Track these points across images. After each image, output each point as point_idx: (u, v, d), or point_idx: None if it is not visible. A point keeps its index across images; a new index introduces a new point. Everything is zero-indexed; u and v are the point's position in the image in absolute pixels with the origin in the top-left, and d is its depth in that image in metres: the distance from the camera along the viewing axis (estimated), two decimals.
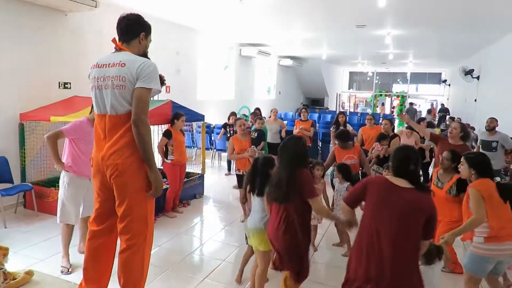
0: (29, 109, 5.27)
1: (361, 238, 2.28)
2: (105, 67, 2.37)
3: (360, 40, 10.88)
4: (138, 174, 2.35)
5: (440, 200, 3.37)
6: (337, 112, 8.73)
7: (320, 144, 9.05)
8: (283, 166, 2.70)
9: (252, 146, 4.95)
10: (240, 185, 4.99)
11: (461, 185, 3.38)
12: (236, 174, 5.15)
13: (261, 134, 5.91)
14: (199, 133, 8.86)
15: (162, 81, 2.62)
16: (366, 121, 6.36)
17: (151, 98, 2.44)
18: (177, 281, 3.51)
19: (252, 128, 6.14)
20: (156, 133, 6.44)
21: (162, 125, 6.14)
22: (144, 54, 2.49)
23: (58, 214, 3.52)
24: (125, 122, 2.30)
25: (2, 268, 2.40)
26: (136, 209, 2.38)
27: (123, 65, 2.30)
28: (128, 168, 2.31)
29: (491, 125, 5.68)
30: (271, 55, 14.13)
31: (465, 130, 4.57)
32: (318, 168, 4.10)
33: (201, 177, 6.38)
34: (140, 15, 2.46)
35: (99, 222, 2.54)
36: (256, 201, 3.03)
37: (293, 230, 2.63)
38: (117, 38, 2.48)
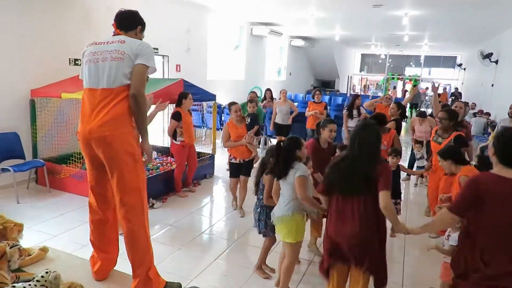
0: (40, 85, 5.23)
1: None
2: (103, 44, 2.46)
3: (376, 21, 10.56)
4: (127, 146, 2.36)
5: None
6: (352, 94, 8.53)
7: None
8: (364, 158, 2.28)
9: (249, 133, 4.66)
10: (234, 174, 4.72)
11: (458, 141, 3.54)
12: (232, 163, 4.71)
13: (255, 118, 5.45)
14: (210, 113, 8.80)
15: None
16: (383, 100, 6.26)
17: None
18: (188, 260, 3.51)
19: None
20: (166, 113, 6.35)
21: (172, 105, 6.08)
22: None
23: None
24: (116, 96, 2.34)
25: (18, 245, 2.40)
26: (128, 181, 2.38)
27: (123, 42, 2.41)
28: (116, 139, 2.32)
29: None
30: (283, 35, 13.85)
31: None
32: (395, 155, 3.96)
33: (212, 157, 6.34)
34: (137, 12, 2.62)
35: (96, 197, 2.56)
36: (284, 187, 2.76)
37: (372, 225, 2.28)
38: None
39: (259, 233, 3.23)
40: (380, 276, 2.31)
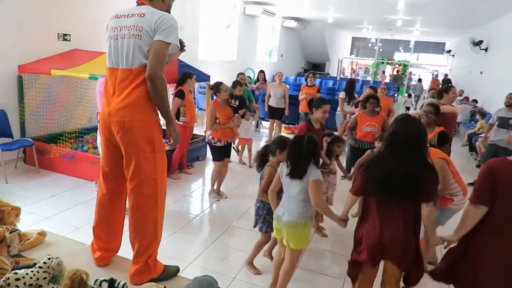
0: (28, 61, 5.00)
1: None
2: (124, 17, 2.22)
3: (371, 4, 10.44)
4: (146, 133, 2.23)
5: None
6: (348, 79, 8.45)
7: None
8: (417, 160, 2.05)
9: (236, 115, 4.59)
10: (220, 157, 4.55)
11: (442, 138, 3.51)
12: (217, 146, 4.49)
13: (243, 101, 5.40)
14: (201, 93, 8.66)
15: (182, 46, 2.44)
16: (379, 89, 6.21)
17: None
18: (185, 244, 3.49)
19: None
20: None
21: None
22: (166, 12, 2.30)
23: None
24: (136, 77, 2.17)
25: (17, 230, 2.32)
26: (145, 170, 2.26)
27: (142, 15, 2.16)
28: (136, 126, 2.18)
29: (511, 101, 5.49)
30: (276, 15, 13.59)
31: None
32: (339, 145, 3.64)
33: (204, 139, 6.25)
34: None
35: (107, 183, 2.46)
36: (295, 188, 2.41)
37: (413, 228, 2.13)
38: None
39: (257, 227, 3.09)
40: (416, 276, 2.21)
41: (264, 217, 2.97)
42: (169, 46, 2.17)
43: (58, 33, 5.43)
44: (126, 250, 2.63)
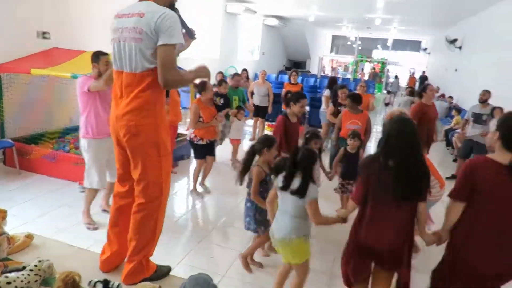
0: (6, 60, 4.86)
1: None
2: (125, 17, 2.17)
3: (352, 2, 10.63)
4: (153, 138, 2.24)
5: None
6: (330, 76, 8.59)
7: (307, 108, 9.00)
8: (418, 155, 2.07)
9: (220, 113, 4.62)
10: (201, 155, 4.52)
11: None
12: (198, 144, 4.47)
13: (228, 100, 5.38)
14: (185, 92, 8.60)
15: (192, 35, 2.41)
16: (358, 87, 6.34)
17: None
18: (173, 243, 3.48)
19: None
20: None
21: None
22: (171, 5, 2.26)
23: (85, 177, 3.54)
24: (141, 82, 2.14)
25: (6, 233, 2.28)
26: (151, 174, 2.29)
27: (142, 15, 2.08)
28: (142, 130, 2.19)
29: (484, 97, 5.75)
30: (257, 13, 13.62)
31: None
32: (316, 141, 3.45)
33: None
34: None
35: (122, 183, 2.49)
36: (290, 203, 2.32)
37: (407, 231, 2.15)
38: None
39: (247, 229, 3.03)
40: (406, 280, 2.20)
41: (255, 217, 2.94)
42: (175, 47, 2.11)
43: (37, 31, 5.30)
44: None
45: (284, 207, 2.37)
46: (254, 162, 2.95)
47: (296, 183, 2.26)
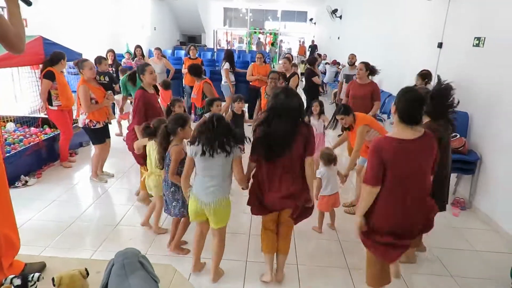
0: None
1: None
2: None
3: None
4: None
5: None
6: (227, 49, 8.68)
7: None
8: (288, 121, 2.33)
9: (109, 91, 4.41)
10: (101, 139, 4.33)
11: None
12: (96, 129, 4.23)
13: (112, 76, 5.23)
14: (73, 74, 7.85)
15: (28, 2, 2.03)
16: (256, 59, 6.59)
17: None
18: (86, 231, 3.36)
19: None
20: (27, 76, 5.47)
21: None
22: None
23: None
24: None
25: None
26: None
27: None
28: None
29: (353, 60, 6.53)
30: None
31: (369, 68, 5.01)
32: (179, 105, 3.76)
33: None
34: None
35: None
36: (214, 166, 2.42)
37: (305, 181, 2.44)
38: None
39: (174, 215, 2.94)
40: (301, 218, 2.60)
41: (183, 200, 2.84)
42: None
43: None
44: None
45: (209, 173, 2.43)
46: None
47: (220, 145, 2.35)
